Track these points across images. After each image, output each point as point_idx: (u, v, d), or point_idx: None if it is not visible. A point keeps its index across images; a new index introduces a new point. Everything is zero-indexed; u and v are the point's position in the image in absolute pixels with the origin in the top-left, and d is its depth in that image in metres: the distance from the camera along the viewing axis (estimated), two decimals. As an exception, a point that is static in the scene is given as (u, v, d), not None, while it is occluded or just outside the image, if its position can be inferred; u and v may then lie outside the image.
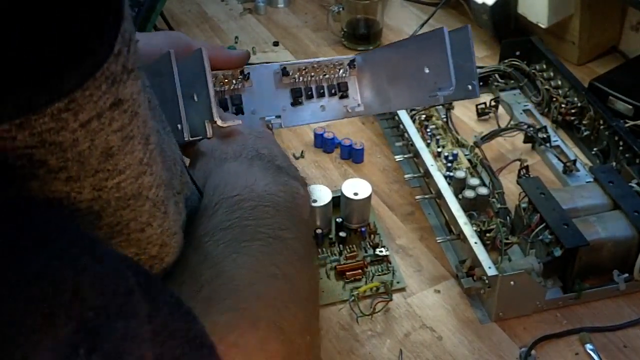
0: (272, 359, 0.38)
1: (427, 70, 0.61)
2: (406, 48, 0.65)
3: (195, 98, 0.54)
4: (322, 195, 0.84)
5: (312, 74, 0.67)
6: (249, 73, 0.65)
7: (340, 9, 1.25)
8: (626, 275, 0.78)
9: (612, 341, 0.75)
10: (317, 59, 0.68)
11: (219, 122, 0.52)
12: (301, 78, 0.67)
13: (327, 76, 0.68)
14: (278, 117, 0.67)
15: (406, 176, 0.94)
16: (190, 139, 0.56)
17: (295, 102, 0.67)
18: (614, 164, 0.91)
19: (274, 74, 0.67)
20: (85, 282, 0.28)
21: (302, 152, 1.01)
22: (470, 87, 0.60)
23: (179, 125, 0.55)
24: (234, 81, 0.65)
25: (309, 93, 0.68)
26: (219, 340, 0.35)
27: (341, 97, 0.68)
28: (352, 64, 0.68)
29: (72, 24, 0.27)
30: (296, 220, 0.47)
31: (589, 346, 0.73)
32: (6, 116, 0.27)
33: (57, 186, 0.31)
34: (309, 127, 1.03)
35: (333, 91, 0.68)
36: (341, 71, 0.68)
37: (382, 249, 0.84)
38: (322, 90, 0.68)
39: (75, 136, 0.30)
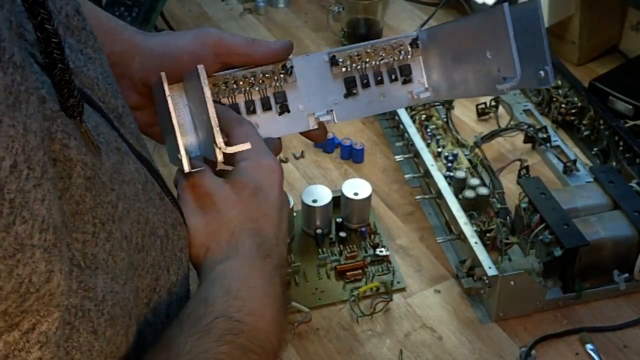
0: None
1: (489, 55, 0.53)
2: (468, 27, 0.57)
3: (205, 118, 0.49)
4: (322, 195, 0.84)
5: (367, 59, 0.59)
6: (292, 67, 0.58)
7: (341, 9, 1.25)
8: (626, 275, 0.78)
9: (612, 341, 0.75)
10: (371, 42, 0.59)
11: (223, 148, 0.47)
12: (354, 65, 0.59)
13: (384, 60, 0.59)
14: (330, 111, 0.60)
15: (406, 176, 0.94)
16: (192, 170, 0.51)
17: (349, 93, 0.59)
18: (614, 164, 0.91)
19: (321, 64, 0.59)
20: None
21: (302, 152, 1.01)
22: (542, 73, 0.51)
23: (178, 155, 0.51)
24: (275, 77, 0.57)
25: (365, 82, 0.59)
26: None
27: (404, 82, 0.60)
28: (414, 43, 0.59)
29: None
30: None
31: (589, 346, 0.73)
32: None
33: None
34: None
35: (394, 76, 0.60)
36: (402, 53, 0.59)
37: (382, 249, 0.84)
38: (379, 77, 0.59)
39: None
